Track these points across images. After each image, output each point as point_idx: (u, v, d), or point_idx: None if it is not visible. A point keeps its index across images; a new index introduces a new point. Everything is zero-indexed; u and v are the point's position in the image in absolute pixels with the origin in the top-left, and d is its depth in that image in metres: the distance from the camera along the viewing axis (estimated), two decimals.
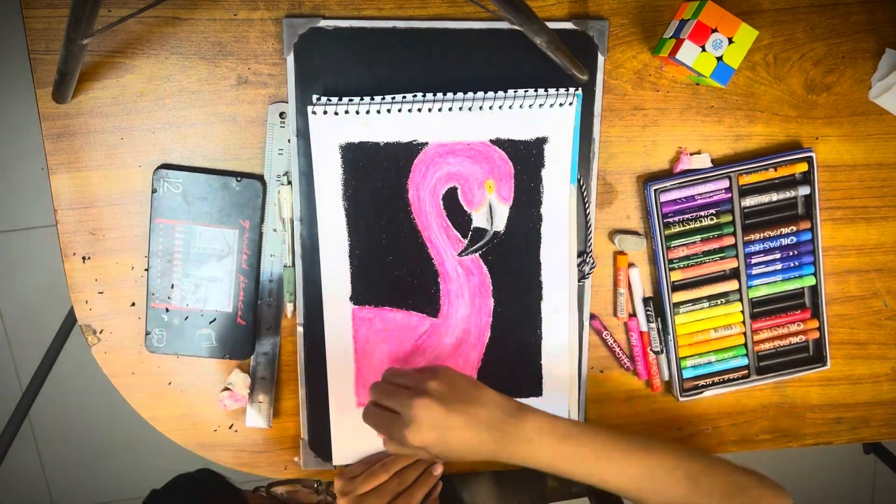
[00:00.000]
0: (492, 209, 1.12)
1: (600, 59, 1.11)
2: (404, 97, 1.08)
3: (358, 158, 1.09)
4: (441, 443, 0.97)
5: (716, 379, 1.21)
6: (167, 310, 1.12)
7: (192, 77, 1.08)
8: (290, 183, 1.10)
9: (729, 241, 1.16)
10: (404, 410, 0.98)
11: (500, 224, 1.13)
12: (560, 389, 1.19)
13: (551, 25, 1.07)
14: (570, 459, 0.99)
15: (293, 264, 1.12)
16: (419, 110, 1.08)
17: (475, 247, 1.13)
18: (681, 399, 1.20)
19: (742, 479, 1.01)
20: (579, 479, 1.00)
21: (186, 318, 1.12)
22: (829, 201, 1.18)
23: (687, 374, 1.20)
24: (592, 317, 1.20)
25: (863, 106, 1.16)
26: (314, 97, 1.07)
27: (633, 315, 1.20)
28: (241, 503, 0.81)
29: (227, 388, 1.15)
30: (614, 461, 0.99)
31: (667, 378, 1.21)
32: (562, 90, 1.09)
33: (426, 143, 1.09)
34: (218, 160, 1.10)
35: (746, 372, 1.20)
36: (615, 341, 1.20)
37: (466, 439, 0.97)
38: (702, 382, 1.20)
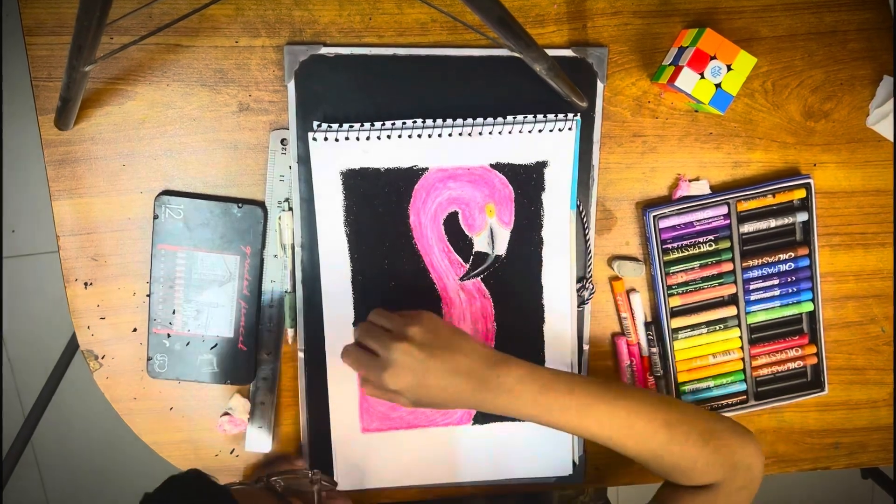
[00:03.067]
0: (493, 233, 1.11)
1: (599, 85, 1.10)
2: (404, 123, 1.07)
3: (359, 184, 1.08)
4: (418, 387, 0.97)
5: (714, 404, 1.19)
6: (169, 335, 1.11)
7: (194, 104, 1.07)
8: (291, 209, 1.09)
9: (727, 266, 1.15)
10: (384, 353, 0.97)
11: (501, 248, 1.12)
12: None
13: (551, 52, 1.06)
14: (550, 410, 0.99)
15: (294, 290, 1.11)
16: (419, 136, 1.07)
17: (477, 271, 1.12)
18: None
19: (714, 426, 1.02)
20: (561, 429, 1.01)
21: (188, 343, 1.11)
22: (828, 227, 1.17)
23: (685, 399, 1.18)
24: (617, 335, 1.20)
25: (861, 133, 1.15)
26: (315, 124, 1.07)
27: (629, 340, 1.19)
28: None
29: (226, 413, 1.14)
30: (595, 412, 0.99)
31: None
32: (561, 116, 1.09)
33: (426, 169, 1.09)
34: (219, 186, 1.09)
35: (745, 397, 1.19)
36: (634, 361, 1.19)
37: (444, 386, 0.97)
38: None
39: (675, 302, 1.15)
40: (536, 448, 1.19)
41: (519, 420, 1.15)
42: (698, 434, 1.00)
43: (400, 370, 0.96)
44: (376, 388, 0.99)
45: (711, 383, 1.19)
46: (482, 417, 1.17)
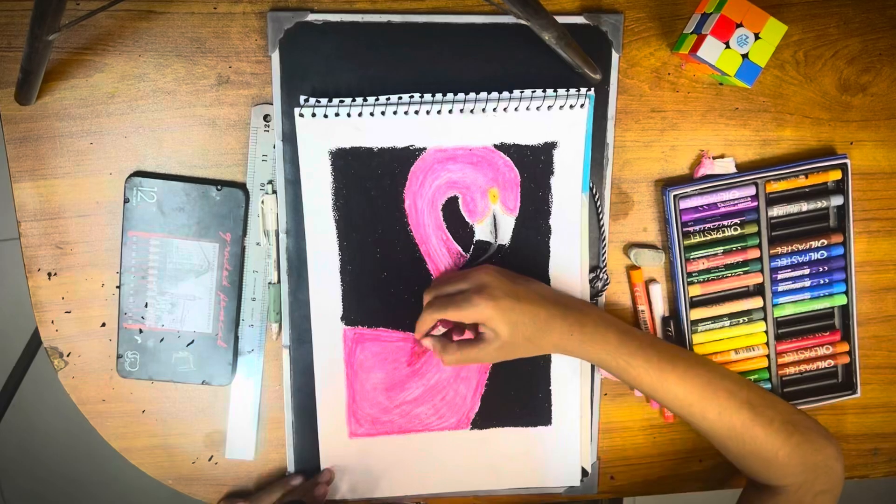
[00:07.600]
0: (496, 220, 1.10)
1: (614, 56, 1.09)
2: (400, 98, 1.06)
3: (349, 165, 1.07)
4: (513, 311, 1.00)
5: None
6: (141, 331, 1.10)
7: (169, 76, 1.06)
8: (275, 192, 1.08)
9: (754, 253, 1.13)
10: (470, 281, 1.02)
11: (504, 237, 1.11)
12: (571, 418, 1.16)
13: (561, 20, 1.05)
14: (636, 355, 1.02)
15: (279, 281, 1.10)
16: (416, 112, 1.06)
17: (478, 262, 1.11)
18: None
19: (798, 419, 1.03)
20: (642, 384, 1.04)
21: (162, 339, 1.10)
22: (866, 212, 1.16)
23: None
24: None
25: None
26: (302, 98, 1.06)
27: None
28: None
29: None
30: (677, 367, 1.03)
31: None
32: (572, 91, 1.07)
33: (424, 149, 1.08)
34: (196, 167, 1.08)
35: None
36: None
37: (537, 310, 1.01)
38: None
39: (696, 291, 1.14)
40: (540, 455, 1.18)
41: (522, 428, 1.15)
42: (781, 422, 1.02)
43: (492, 290, 1.00)
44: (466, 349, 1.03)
45: None
46: (480, 422, 1.16)
